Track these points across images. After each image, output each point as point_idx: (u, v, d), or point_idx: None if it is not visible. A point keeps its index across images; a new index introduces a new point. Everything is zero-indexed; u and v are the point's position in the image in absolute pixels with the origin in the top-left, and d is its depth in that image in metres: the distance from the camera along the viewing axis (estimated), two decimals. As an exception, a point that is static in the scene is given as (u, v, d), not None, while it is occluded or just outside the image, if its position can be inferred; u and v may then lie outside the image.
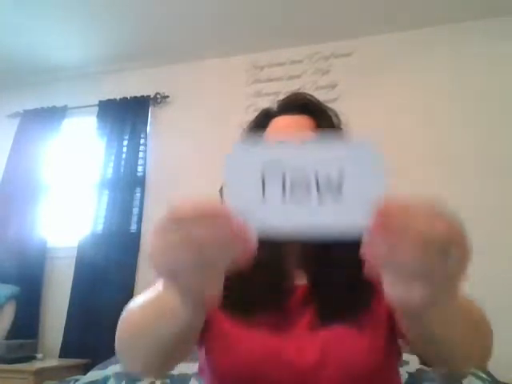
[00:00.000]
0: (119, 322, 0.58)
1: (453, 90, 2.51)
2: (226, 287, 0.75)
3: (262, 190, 0.40)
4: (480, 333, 0.53)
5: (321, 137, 0.43)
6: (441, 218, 0.37)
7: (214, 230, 0.38)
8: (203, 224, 0.38)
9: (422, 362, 0.70)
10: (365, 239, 0.39)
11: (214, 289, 0.43)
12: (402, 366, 1.52)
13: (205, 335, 0.74)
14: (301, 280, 0.77)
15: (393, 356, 0.76)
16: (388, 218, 0.37)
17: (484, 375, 1.65)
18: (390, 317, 0.73)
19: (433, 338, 0.48)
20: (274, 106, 0.87)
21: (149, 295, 0.55)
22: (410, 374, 1.60)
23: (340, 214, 0.40)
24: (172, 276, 0.40)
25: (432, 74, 2.57)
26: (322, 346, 0.69)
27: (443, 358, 0.52)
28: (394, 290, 0.39)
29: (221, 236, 0.38)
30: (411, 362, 1.62)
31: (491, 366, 1.79)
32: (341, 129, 0.84)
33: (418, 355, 0.68)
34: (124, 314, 0.58)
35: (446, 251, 0.36)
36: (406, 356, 1.53)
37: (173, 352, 0.56)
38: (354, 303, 0.72)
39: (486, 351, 0.55)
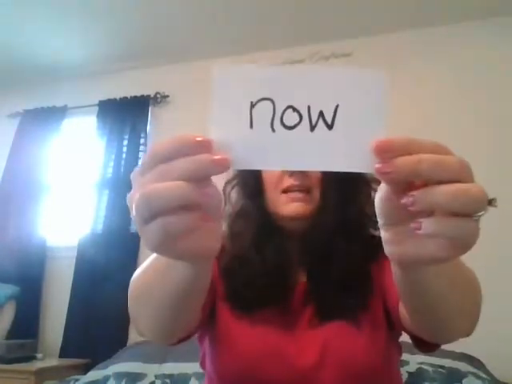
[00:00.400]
0: (129, 289, 0.56)
1: (453, 89, 2.51)
2: (229, 284, 0.75)
3: (250, 119, 0.36)
4: (472, 289, 0.51)
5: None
6: (450, 151, 0.35)
7: (193, 161, 0.34)
8: (182, 156, 0.34)
9: (415, 344, 0.69)
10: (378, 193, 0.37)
11: (206, 236, 0.37)
12: (402, 366, 1.53)
13: (210, 324, 0.74)
14: (302, 277, 0.78)
15: (393, 355, 0.76)
16: (389, 154, 0.34)
17: (484, 375, 1.65)
18: (388, 316, 0.74)
19: (428, 294, 0.46)
20: None
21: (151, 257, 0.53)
22: (410, 374, 1.60)
23: (332, 149, 0.36)
24: (153, 220, 0.34)
25: (432, 73, 2.57)
26: (322, 345, 0.70)
27: (435, 317, 0.51)
28: (402, 246, 0.37)
29: (202, 168, 0.34)
30: (411, 362, 1.63)
31: (491, 366, 1.80)
32: None
33: (408, 328, 0.66)
34: (131, 279, 0.57)
35: (481, 206, 0.33)
36: (405, 356, 1.54)
37: (180, 311, 0.53)
38: (353, 302, 0.72)
39: (476, 309, 0.53)
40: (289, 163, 0.38)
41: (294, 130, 0.36)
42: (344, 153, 0.36)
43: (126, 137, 2.95)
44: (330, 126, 0.37)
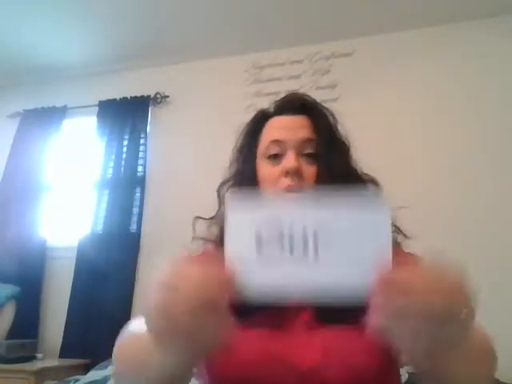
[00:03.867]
0: (115, 349, 0.59)
1: (453, 89, 2.51)
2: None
3: (260, 250, 0.40)
4: (487, 365, 0.55)
5: (324, 192, 0.41)
6: (440, 292, 0.38)
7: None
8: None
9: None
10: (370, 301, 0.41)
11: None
12: (402, 367, 1.52)
13: None
14: None
15: (393, 356, 0.76)
16: (389, 296, 0.38)
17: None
18: None
19: (441, 376, 0.50)
20: (271, 107, 0.87)
21: (140, 338, 0.54)
22: (411, 374, 1.60)
23: (339, 275, 0.40)
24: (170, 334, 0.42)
25: (432, 73, 2.57)
26: (323, 347, 0.69)
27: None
28: (399, 342, 0.41)
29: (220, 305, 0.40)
30: (411, 362, 1.62)
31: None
32: (337, 128, 0.84)
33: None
34: (119, 344, 0.59)
35: (445, 322, 0.38)
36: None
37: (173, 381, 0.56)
38: (353, 307, 0.71)
39: (491, 372, 0.57)
40: (296, 292, 0.42)
41: (301, 261, 0.40)
42: (349, 281, 0.40)
43: (126, 137, 2.95)
44: (335, 255, 0.40)
